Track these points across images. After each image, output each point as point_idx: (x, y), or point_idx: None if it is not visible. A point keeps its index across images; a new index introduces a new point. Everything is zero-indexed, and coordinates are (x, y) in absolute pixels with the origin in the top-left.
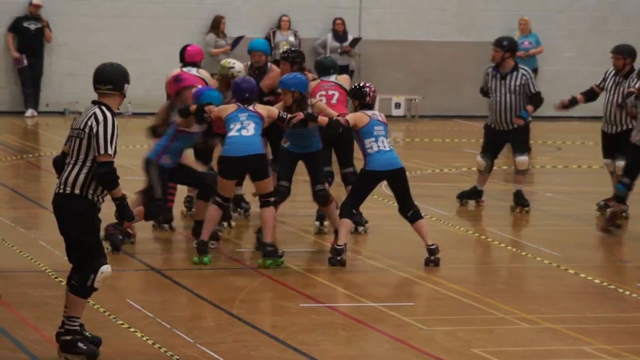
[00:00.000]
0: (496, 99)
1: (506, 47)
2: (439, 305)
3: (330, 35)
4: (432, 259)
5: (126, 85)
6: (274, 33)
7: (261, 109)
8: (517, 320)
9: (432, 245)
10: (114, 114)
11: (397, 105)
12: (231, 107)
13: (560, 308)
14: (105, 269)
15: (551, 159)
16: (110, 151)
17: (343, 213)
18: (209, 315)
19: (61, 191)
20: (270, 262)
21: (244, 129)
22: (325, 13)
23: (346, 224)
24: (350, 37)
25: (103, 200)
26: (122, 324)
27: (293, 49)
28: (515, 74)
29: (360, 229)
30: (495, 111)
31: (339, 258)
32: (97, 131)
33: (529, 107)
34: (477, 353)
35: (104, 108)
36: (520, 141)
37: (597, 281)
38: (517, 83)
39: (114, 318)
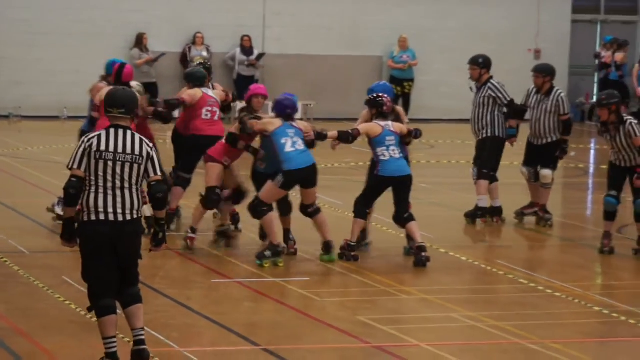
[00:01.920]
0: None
1: (482, 64)
2: (330, 280)
3: (238, 50)
4: (423, 256)
5: (136, 110)
6: (189, 48)
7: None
8: (396, 292)
9: (422, 243)
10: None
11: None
12: (277, 122)
13: (432, 282)
14: None
15: (425, 155)
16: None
17: (356, 213)
18: None
19: (128, 218)
20: (328, 257)
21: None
22: (234, 31)
23: (359, 223)
24: (256, 52)
25: None
26: (59, 297)
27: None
28: (484, 87)
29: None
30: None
31: (352, 254)
32: (152, 155)
33: (512, 122)
34: (362, 320)
35: (134, 132)
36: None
37: (463, 258)
38: (486, 94)
39: (52, 292)
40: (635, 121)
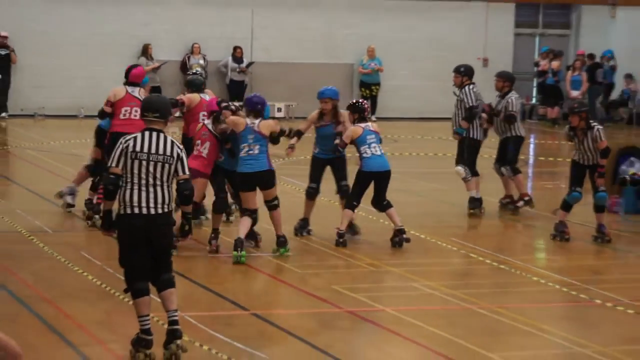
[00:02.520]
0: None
1: (462, 72)
2: (309, 255)
3: (230, 59)
4: (402, 237)
5: (169, 116)
6: (188, 57)
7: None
8: (366, 265)
9: (401, 226)
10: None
11: (279, 109)
12: (242, 124)
13: (397, 256)
14: None
15: (390, 149)
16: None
17: (346, 205)
18: None
19: (159, 212)
20: (283, 250)
21: None
22: (227, 42)
23: (347, 214)
24: (245, 61)
25: None
26: (78, 269)
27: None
28: (461, 92)
29: None
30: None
31: (341, 240)
32: (182, 156)
33: (463, 123)
34: (336, 289)
35: (167, 135)
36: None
37: (422, 236)
38: (460, 97)
39: (72, 265)
40: (601, 127)
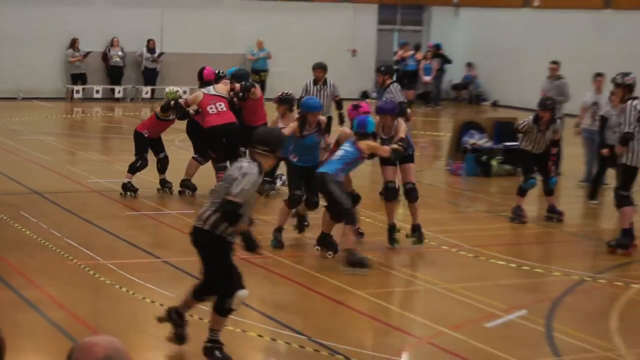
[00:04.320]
0: None
1: (383, 71)
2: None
3: (144, 50)
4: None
5: (279, 151)
6: (108, 49)
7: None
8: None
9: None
10: (260, 172)
11: (185, 92)
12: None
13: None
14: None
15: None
16: (239, 198)
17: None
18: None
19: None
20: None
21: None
22: (141, 36)
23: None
24: (157, 51)
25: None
26: (17, 225)
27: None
28: (386, 90)
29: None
30: None
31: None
32: (236, 177)
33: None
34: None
35: (254, 164)
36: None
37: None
38: (387, 95)
39: (11, 222)
40: (560, 121)
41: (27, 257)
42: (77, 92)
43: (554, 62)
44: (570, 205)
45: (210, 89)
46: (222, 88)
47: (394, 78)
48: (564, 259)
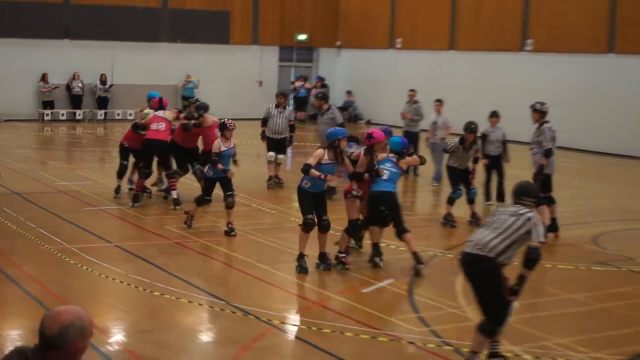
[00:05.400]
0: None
1: (320, 98)
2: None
3: (99, 82)
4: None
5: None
6: (71, 82)
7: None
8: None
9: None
10: None
11: (130, 114)
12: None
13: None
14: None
15: None
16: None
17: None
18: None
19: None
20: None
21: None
22: (96, 71)
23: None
24: (108, 83)
25: None
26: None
27: None
28: (326, 113)
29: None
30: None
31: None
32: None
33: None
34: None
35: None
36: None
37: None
38: (328, 117)
39: None
40: (478, 141)
41: (9, 243)
42: (47, 115)
43: (412, 90)
44: (425, 195)
45: (160, 112)
46: (170, 114)
47: (329, 102)
48: (423, 240)
